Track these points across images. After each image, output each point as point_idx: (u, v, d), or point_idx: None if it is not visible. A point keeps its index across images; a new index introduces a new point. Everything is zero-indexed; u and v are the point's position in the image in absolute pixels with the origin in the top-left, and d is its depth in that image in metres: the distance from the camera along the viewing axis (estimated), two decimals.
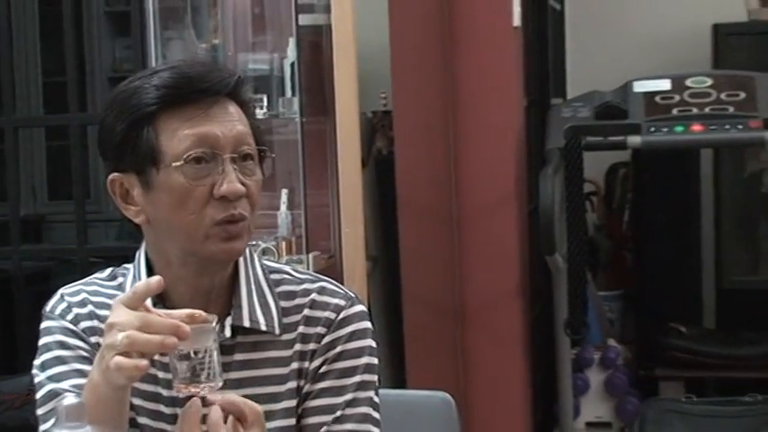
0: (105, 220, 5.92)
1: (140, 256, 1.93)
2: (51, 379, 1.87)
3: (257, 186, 1.84)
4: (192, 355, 1.64)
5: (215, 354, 1.65)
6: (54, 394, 1.84)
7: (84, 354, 1.88)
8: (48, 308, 1.95)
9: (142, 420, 1.88)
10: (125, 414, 1.74)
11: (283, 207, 3.92)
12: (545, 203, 4.45)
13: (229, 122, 1.82)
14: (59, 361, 1.89)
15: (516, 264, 4.45)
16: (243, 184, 1.80)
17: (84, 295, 1.94)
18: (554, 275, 4.66)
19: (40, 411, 1.88)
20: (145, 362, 1.62)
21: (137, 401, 1.86)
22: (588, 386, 5.32)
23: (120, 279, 1.96)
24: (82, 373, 1.83)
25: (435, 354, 4.35)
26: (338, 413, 1.88)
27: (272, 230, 3.90)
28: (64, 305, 1.94)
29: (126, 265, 1.97)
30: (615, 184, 5.97)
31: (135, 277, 1.91)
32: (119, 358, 1.61)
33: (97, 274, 2.00)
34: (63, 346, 1.90)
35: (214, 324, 1.67)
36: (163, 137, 1.80)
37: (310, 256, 3.93)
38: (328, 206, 4.05)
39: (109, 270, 2.00)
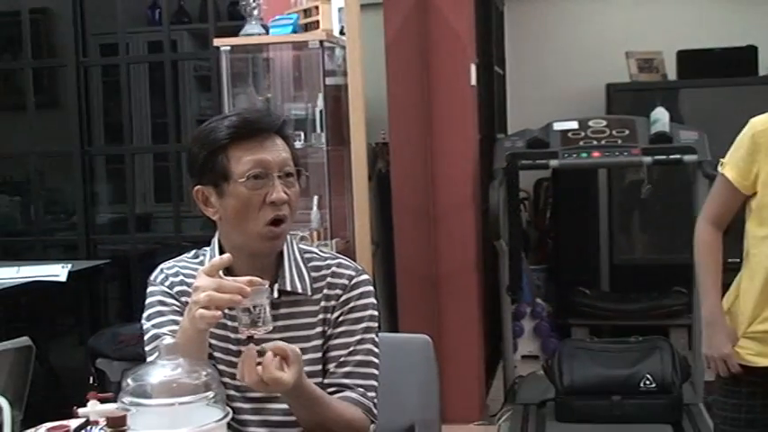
0: (194, 216, 5.89)
1: (215, 241, 1.93)
2: (154, 326, 1.87)
3: (296, 195, 1.85)
4: (252, 308, 1.62)
5: (267, 307, 1.64)
6: (156, 336, 1.84)
7: (177, 309, 1.88)
8: (152, 277, 1.96)
9: (217, 355, 1.87)
10: (205, 350, 1.75)
11: (314, 208, 3.89)
12: (493, 205, 4.42)
13: (276, 151, 1.83)
14: (160, 314, 1.89)
15: (474, 246, 4.43)
16: (286, 193, 1.81)
17: (176, 269, 1.94)
18: (499, 255, 4.64)
19: (146, 348, 1.88)
20: (219, 313, 1.64)
21: (213, 341, 1.84)
22: (523, 331, 5.31)
23: (201, 257, 1.95)
24: (175, 322, 1.83)
25: (419, 309, 4.32)
26: (350, 348, 1.88)
27: (306, 224, 3.88)
28: (163, 276, 1.94)
29: (205, 248, 1.96)
30: (540, 193, 5.95)
31: (211, 256, 1.90)
32: (201, 311, 1.62)
33: (185, 255, 1.99)
34: (162, 303, 1.90)
35: (266, 286, 1.66)
36: (232, 161, 1.81)
37: (333, 241, 3.90)
38: (345, 207, 4.03)
39: (193, 251, 1.99)
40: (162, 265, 1.97)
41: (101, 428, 1.60)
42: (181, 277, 1.92)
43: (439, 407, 2.27)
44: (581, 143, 4.54)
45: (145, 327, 1.90)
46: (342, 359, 1.87)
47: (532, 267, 5.63)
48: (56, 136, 5.19)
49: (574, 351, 4.15)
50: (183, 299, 1.88)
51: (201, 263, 1.92)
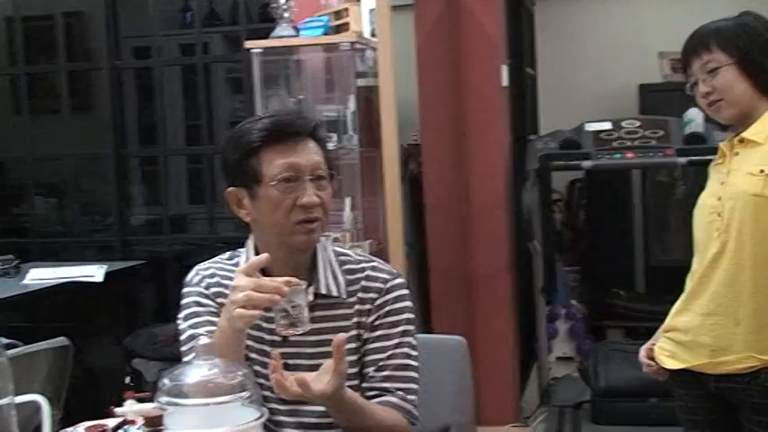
0: (227, 217, 5.91)
1: (250, 243, 1.94)
2: (191, 327, 1.89)
3: (328, 197, 1.86)
4: (289, 308, 1.63)
5: (305, 308, 1.65)
6: (192, 337, 1.85)
7: (213, 310, 1.89)
8: (187, 279, 1.97)
9: (252, 356, 1.87)
10: (242, 350, 1.76)
11: (347, 209, 3.89)
12: (526, 206, 4.42)
13: (308, 154, 1.84)
14: (196, 315, 1.90)
15: (507, 247, 4.41)
16: (318, 196, 1.82)
17: (212, 270, 1.95)
18: (533, 256, 4.62)
19: (183, 349, 1.89)
20: (257, 312, 1.65)
21: (249, 342, 1.85)
22: (557, 332, 5.28)
23: (236, 259, 1.96)
24: (211, 323, 1.84)
25: (452, 310, 4.32)
26: (389, 352, 1.87)
27: (340, 225, 3.88)
28: (198, 277, 1.94)
29: (240, 250, 1.97)
30: (574, 194, 5.93)
31: (247, 258, 1.91)
32: (240, 310, 1.64)
33: (220, 256, 2.00)
34: (198, 304, 1.91)
35: (303, 286, 1.68)
36: (264, 164, 1.82)
37: (366, 242, 3.90)
38: (378, 209, 4.03)
39: (229, 253, 1.99)
40: (197, 267, 1.98)
41: (138, 428, 1.61)
42: (217, 278, 1.93)
43: (473, 408, 2.28)
44: (614, 144, 4.52)
45: (181, 327, 1.91)
46: (381, 363, 1.86)
47: (566, 268, 5.60)
48: (91, 138, 5.24)
49: (609, 353, 4.13)
50: (219, 300, 1.89)
51: (236, 264, 1.92)
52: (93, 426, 1.45)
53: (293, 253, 1.87)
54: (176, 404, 1.47)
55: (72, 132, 4.96)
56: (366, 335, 1.89)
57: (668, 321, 2.44)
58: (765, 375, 2.21)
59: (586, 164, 4.53)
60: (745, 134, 2.29)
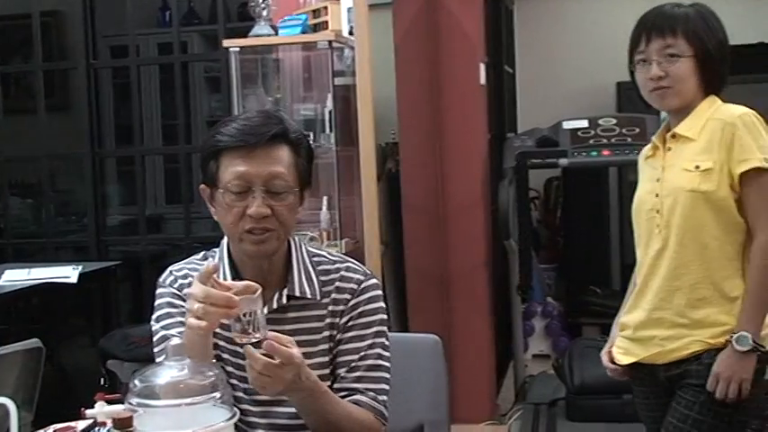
0: (204, 217, 5.89)
1: (224, 243, 1.92)
2: (163, 327, 1.87)
3: (287, 207, 1.81)
4: (242, 316, 1.61)
5: (259, 314, 1.62)
6: (164, 338, 1.84)
7: (185, 311, 1.85)
8: (161, 279, 1.95)
9: (225, 356, 1.86)
10: (209, 352, 1.73)
11: (324, 208, 3.89)
12: (503, 204, 4.41)
13: (266, 164, 1.79)
14: (169, 315, 1.89)
15: (484, 245, 4.41)
16: (270, 207, 1.78)
17: (185, 271, 1.93)
18: (509, 254, 4.62)
19: (155, 350, 1.88)
20: (211, 324, 1.63)
21: (221, 343, 1.84)
22: (534, 330, 5.29)
23: (210, 258, 1.93)
24: (183, 324, 1.78)
25: (429, 309, 4.31)
26: (361, 353, 1.86)
27: (316, 224, 3.88)
28: (172, 278, 1.93)
29: (214, 249, 1.94)
30: (551, 192, 5.93)
31: (219, 258, 1.89)
32: (191, 320, 1.63)
33: (194, 256, 1.98)
34: (171, 305, 1.90)
35: (257, 294, 1.64)
36: (221, 168, 1.81)
37: (342, 241, 3.90)
38: (354, 207, 4.03)
39: (202, 253, 1.97)
40: (171, 267, 1.96)
41: (108, 430, 1.60)
42: (189, 279, 1.90)
43: (448, 407, 2.27)
44: (591, 142, 4.52)
45: (154, 328, 1.90)
46: (353, 364, 1.85)
47: (543, 266, 5.62)
48: (67, 138, 5.20)
49: (585, 350, 4.13)
50: None
51: None
52: (63, 428, 1.43)
53: (252, 258, 1.84)
54: (147, 405, 1.46)
55: (48, 132, 4.92)
56: (339, 335, 1.87)
57: (621, 319, 2.48)
58: (707, 355, 2.25)
59: (563, 162, 4.53)
60: (677, 130, 2.31)
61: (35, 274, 4.06)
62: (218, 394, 1.49)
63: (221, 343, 1.84)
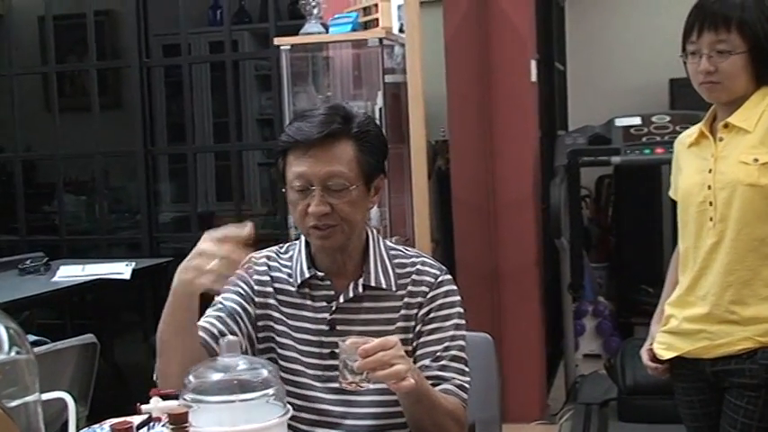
0: (255, 214, 5.95)
1: (303, 235, 1.97)
2: (223, 298, 1.93)
3: (348, 204, 1.84)
4: (348, 362, 1.64)
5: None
6: (215, 303, 1.93)
7: (242, 291, 1.94)
8: (242, 263, 1.99)
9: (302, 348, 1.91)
10: (189, 320, 1.78)
11: (374, 206, 3.89)
12: (554, 203, 4.38)
13: (323, 162, 1.82)
14: (227, 290, 1.93)
15: (535, 244, 4.38)
16: (330, 204, 1.82)
17: (263, 259, 1.98)
18: (560, 253, 4.59)
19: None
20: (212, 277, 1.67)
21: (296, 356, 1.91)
22: (584, 329, 5.25)
23: (291, 252, 1.99)
24: (232, 300, 1.92)
25: (479, 307, 4.29)
26: (445, 344, 1.89)
27: (366, 222, 3.88)
28: (248, 263, 1.95)
29: (294, 242, 2.01)
30: (602, 190, 5.88)
31: (299, 250, 1.95)
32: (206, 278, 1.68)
33: (276, 247, 2.03)
34: (233, 284, 1.93)
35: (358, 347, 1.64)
36: (287, 166, 1.86)
37: (393, 239, 3.89)
38: (405, 205, 4.03)
39: (286, 245, 2.02)
40: (251, 254, 1.98)
41: (163, 425, 1.61)
42: (264, 268, 1.96)
43: (499, 406, 2.26)
44: (644, 139, 4.47)
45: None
46: (437, 354, 1.88)
47: (594, 265, 5.56)
48: (120, 136, 5.27)
49: (637, 350, 4.04)
50: (258, 288, 1.94)
51: (290, 257, 1.97)
52: (119, 423, 1.44)
53: (322, 251, 1.91)
54: (201, 401, 1.47)
55: (102, 130, 4.98)
56: (419, 327, 1.90)
57: (666, 312, 2.43)
58: (762, 354, 2.21)
59: (615, 159, 4.49)
60: (732, 120, 2.26)
61: (89, 271, 4.12)
62: (271, 390, 1.49)
63: (297, 356, 1.88)
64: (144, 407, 1.53)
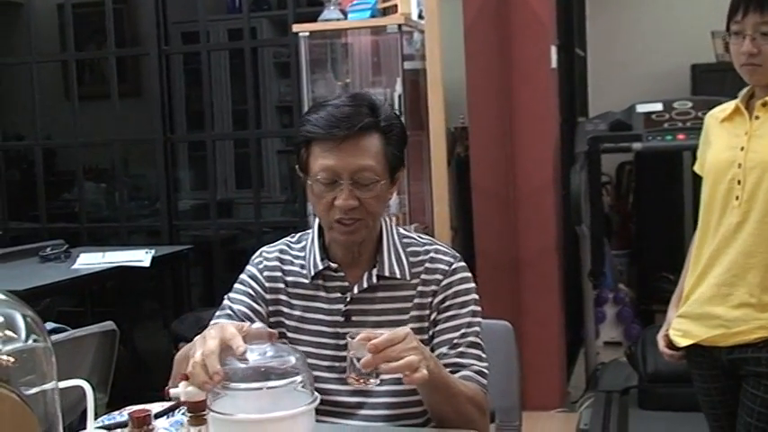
0: (274, 202, 5.96)
1: (315, 224, 1.97)
2: (228, 298, 1.94)
3: (375, 198, 1.82)
4: (355, 361, 1.58)
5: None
6: (224, 307, 1.92)
7: (252, 293, 1.93)
8: (252, 257, 2.01)
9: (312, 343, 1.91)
10: None
11: (394, 193, 3.88)
12: (574, 190, 4.36)
13: (353, 156, 1.79)
14: (235, 290, 1.95)
15: (554, 231, 4.37)
16: (358, 198, 1.80)
17: (276, 254, 1.97)
18: (581, 240, 4.57)
19: (216, 313, 1.94)
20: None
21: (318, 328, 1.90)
22: (605, 316, 5.22)
23: (303, 242, 1.98)
24: (242, 303, 1.91)
25: (499, 294, 4.28)
26: (462, 331, 1.87)
27: (385, 209, 3.87)
28: (260, 258, 1.99)
29: (308, 231, 2.00)
30: (623, 177, 5.85)
31: (312, 240, 1.95)
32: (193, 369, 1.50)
33: (288, 238, 2.02)
34: (242, 282, 1.96)
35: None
36: (311, 158, 1.83)
37: (412, 226, 3.89)
38: (424, 192, 4.01)
39: (298, 235, 2.01)
40: (263, 248, 2.01)
41: (182, 413, 1.61)
42: (276, 263, 1.95)
43: (519, 393, 2.25)
44: (665, 125, 4.44)
45: (225, 299, 1.96)
46: (454, 341, 1.87)
47: (614, 252, 5.54)
48: (139, 124, 5.28)
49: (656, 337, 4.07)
50: (269, 285, 1.93)
51: (303, 247, 1.96)
52: (138, 410, 1.44)
53: (342, 245, 1.90)
54: (229, 388, 1.47)
55: (121, 118, 4.99)
56: (435, 315, 1.89)
57: (684, 291, 2.40)
58: None
59: (636, 146, 4.47)
60: None
61: (109, 258, 4.13)
62: (299, 378, 1.49)
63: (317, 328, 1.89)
64: (173, 391, 1.53)
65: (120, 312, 4.58)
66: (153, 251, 4.18)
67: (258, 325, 1.60)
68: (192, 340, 1.63)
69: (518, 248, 4.34)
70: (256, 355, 1.51)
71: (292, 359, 1.51)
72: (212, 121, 5.04)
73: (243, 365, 1.49)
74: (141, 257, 4.11)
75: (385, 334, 1.58)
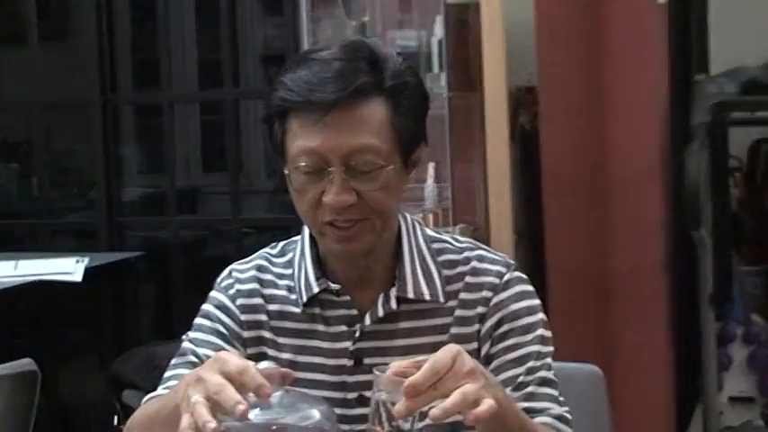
0: (256, 191, 5.99)
1: (305, 230, 1.91)
2: (190, 340, 1.91)
3: (382, 190, 1.76)
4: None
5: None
6: (184, 352, 1.89)
7: (223, 330, 1.89)
8: (218, 280, 1.97)
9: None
10: None
11: (430, 180, 3.91)
12: (691, 179, 4.36)
13: (345, 132, 1.73)
14: (200, 328, 1.92)
15: (659, 237, 4.37)
16: (357, 190, 1.74)
17: (252, 273, 1.94)
18: (699, 251, 4.57)
19: (172, 361, 1.92)
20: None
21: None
22: (732, 361, 5.21)
23: (290, 255, 1.94)
24: (212, 345, 1.86)
25: (580, 324, 4.29)
26: (528, 365, 1.84)
27: (418, 203, 3.89)
28: (230, 280, 1.94)
29: (294, 239, 1.96)
30: (759, 161, 5.85)
31: (301, 250, 1.91)
32: (186, 418, 1.48)
33: (268, 249, 1.98)
34: (208, 317, 1.92)
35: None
36: (287, 136, 1.77)
37: (457, 228, 3.91)
38: (474, 180, 4.03)
39: (281, 245, 1.97)
40: (233, 266, 1.98)
41: None
42: (254, 285, 1.92)
43: None
44: None
45: (184, 338, 1.94)
46: (520, 379, 1.84)
47: (746, 269, 5.54)
48: (67, 79, 5.31)
49: None
50: (244, 317, 1.90)
51: (290, 263, 1.93)
52: None
53: (340, 257, 1.85)
54: None
55: (42, 70, 5.03)
56: (487, 348, 1.86)
57: None
58: None
59: None
60: None
61: (23, 270, 4.17)
62: None
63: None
64: None
65: (39, 347, 4.61)
66: (86, 260, 4.21)
67: (265, 364, 1.56)
68: (140, 387, 1.65)
69: (608, 263, 4.36)
70: (266, 405, 1.49)
71: (316, 414, 1.50)
72: (170, 77, 5.07)
73: (245, 423, 1.44)
74: (69, 268, 4.15)
75: (426, 363, 1.50)
